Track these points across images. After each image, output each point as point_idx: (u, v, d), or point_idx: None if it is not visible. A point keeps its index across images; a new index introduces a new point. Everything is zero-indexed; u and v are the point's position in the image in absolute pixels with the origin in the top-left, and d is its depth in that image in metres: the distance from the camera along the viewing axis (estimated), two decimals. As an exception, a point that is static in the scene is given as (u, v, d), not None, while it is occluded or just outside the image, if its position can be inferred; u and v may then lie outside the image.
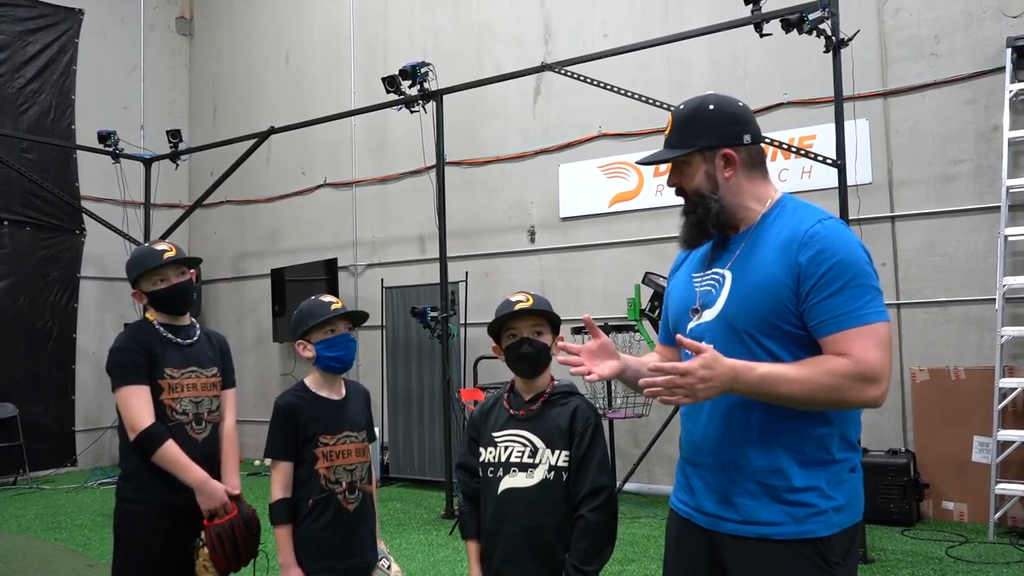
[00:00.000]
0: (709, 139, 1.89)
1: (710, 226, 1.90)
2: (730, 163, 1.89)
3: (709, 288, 1.90)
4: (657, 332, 5.63)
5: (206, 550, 2.76)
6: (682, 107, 1.97)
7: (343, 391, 2.79)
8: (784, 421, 1.78)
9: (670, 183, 1.98)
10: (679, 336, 1.79)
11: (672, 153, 1.93)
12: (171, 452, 2.76)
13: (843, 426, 1.81)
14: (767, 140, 1.76)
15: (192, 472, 2.77)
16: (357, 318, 2.80)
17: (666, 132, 1.98)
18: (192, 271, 3.04)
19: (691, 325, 1.91)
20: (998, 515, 5.27)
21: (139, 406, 2.77)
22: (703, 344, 1.71)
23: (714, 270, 1.92)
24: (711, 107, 1.92)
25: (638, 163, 2.09)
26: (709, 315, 1.87)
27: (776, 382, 1.70)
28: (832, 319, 1.72)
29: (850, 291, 1.72)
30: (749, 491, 1.80)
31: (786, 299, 1.76)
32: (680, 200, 2.00)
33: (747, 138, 1.91)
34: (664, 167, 1.98)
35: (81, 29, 9.61)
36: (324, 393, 2.74)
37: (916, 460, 5.78)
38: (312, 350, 2.70)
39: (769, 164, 2.05)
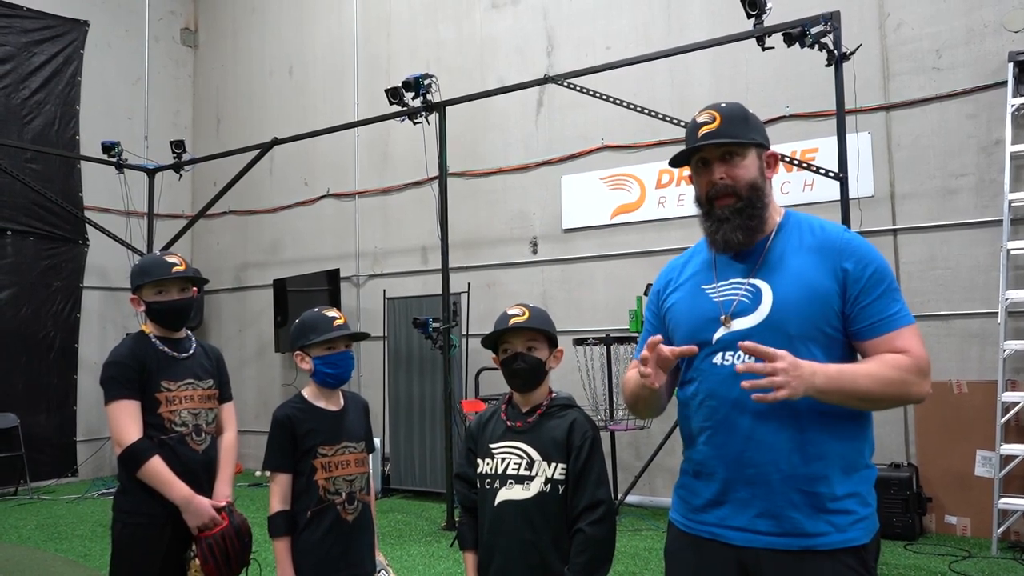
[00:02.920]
0: (762, 137, 1.93)
1: (757, 225, 1.88)
2: (772, 165, 1.93)
3: (734, 297, 1.87)
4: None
5: (197, 561, 2.75)
6: (724, 105, 1.94)
7: (341, 402, 2.79)
8: (831, 429, 1.79)
9: (716, 177, 1.88)
10: (745, 344, 1.71)
11: (738, 139, 1.87)
12: (155, 469, 2.74)
13: (870, 433, 1.87)
14: (782, 157, 1.75)
15: (176, 490, 2.75)
16: (358, 338, 2.81)
17: (714, 125, 1.89)
18: (195, 288, 3.03)
19: (717, 335, 1.88)
20: (1001, 530, 5.24)
21: (126, 421, 2.77)
22: (774, 350, 1.68)
23: (733, 280, 1.90)
24: (750, 111, 1.95)
25: (702, 139, 1.89)
26: (745, 323, 1.84)
27: (854, 376, 1.73)
28: (883, 320, 1.79)
29: (890, 295, 1.81)
30: (793, 502, 1.78)
31: (834, 304, 1.80)
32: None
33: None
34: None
35: (86, 40, 9.65)
36: (322, 404, 2.73)
37: (919, 474, 5.76)
38: (310, 363, 2.70)
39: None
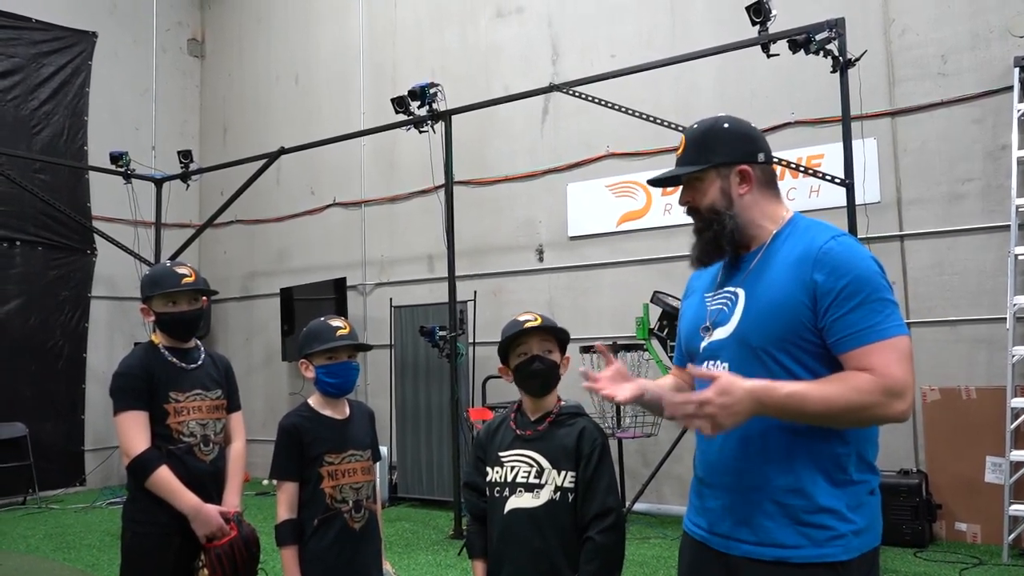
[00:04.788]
0: (724, 155, 1.90)
1: (725, 243, 1.89)
2: (745, 179, 1.89)
3: (721, 306, 1.89)
4: (665, 351, 5.60)
5: (206, 571, 2.75)
6: (695, 126, 1.97)
7: (347, 411, 2.79)
8: (803, 440, 1.76)
9: (682, 201, 1.97)
10: (691, 367, 1.79)
11: (686, 169, 1.93)
12: (163, 479, 2.75)
13: (860, 446, 1.79)
14: (777, 160, 1.74)
15: (185, 499, 2.75)
16: (360, 349, 2.80)
17: (679, 152, 1.97)
18: (205, 299, 3.04)
19: (703, 344, 1.91)
20: (1012, 537, 5.21)
21: (134, 432, 2.77)
22: (715, 371, 1.71)
23: (726, 289, 1.91)
24: (725, 125, 1.93)
25: (649, 183, 2.05)
26: (721, 333, 1.86)
27: (803, 401, 1.68)
28: (852, 335, 1.70)
29: (868, 306, 1.71)
30: (767, 512, 1.77)
31: (803, 317, 1.75)
32: (684, 219, 2.00)
33: (761, 156, 1.92)
34: (672, 187, 1.99)
35: (94, 51, 9.72)
36: (328, 413, 2.74)
37: (928, 480, 5.73)
38: (313, 372, 2.71)
39: (778, 183, 2.04)
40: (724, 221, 1.89)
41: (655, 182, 2.01)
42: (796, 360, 1.77)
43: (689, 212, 1.97)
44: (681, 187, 1.97)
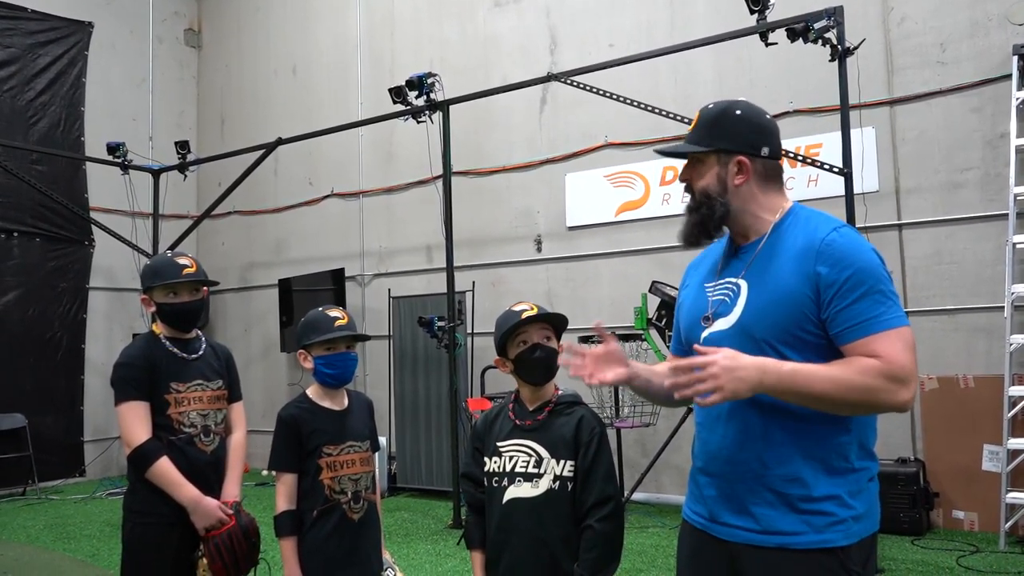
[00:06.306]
0: (728, 143, 1.90)
1: (711, 227, 1.91)
2: (742, 171, 1.90)
3: (722, 297, 1.89)
4: (664, 341, 5.60)
5: (205, 561, 2.76)
6: (711, 106, 1.98)
7: (345, 402, 2.80)
8: (805, 429, 1.77)
9: (682, 177, 1.99)
10: (696, 347, 1.77)
11: (690, 148, 1.94)
12: (163, 470, 2.75)
13: (861, 434, 1.80)
14: (786, 153, 1.76)
15: (184, 491, 2.75)
16: (359, 339, 2.80)
17: (691, 127, 1.99)
18: (206, 289, 3.04)
19: (704, 334, 1.90)
20: (1009, 524, 5.23)
21: (135, 422, 2.78)
22: (718, 348, 1.70)
23: (727, 279, 1.91)
24: (738, 112, 1.93)
25: (656, 151, 2.10)
26: (723, 323, 1.86)
27: (809, 378, 1.69)
28: (857, 325, 1.71)
29: (871, 298, 1.72)
30: (767, 500, 1.78)
31: (806, 309, 1.76)
32: (682, 208, 2.01)
33: (765, 151, 1.91)
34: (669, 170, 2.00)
35: (91, 42, 9.67)
36: (327, 404, 2.74)
37: (926, 469, 5.75)
38: (312, 362, 2.71)
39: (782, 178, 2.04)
40: (714, 207, 1.90)
41: (663, 152, 2.03)
42: (799, 353, 1.77)
43: (687, 189, 1.99)
44: (685, 162, 1.99)
